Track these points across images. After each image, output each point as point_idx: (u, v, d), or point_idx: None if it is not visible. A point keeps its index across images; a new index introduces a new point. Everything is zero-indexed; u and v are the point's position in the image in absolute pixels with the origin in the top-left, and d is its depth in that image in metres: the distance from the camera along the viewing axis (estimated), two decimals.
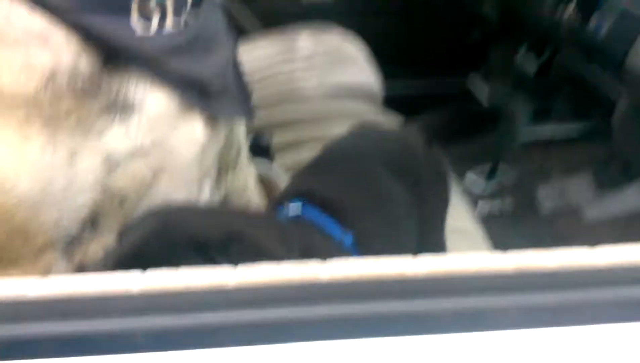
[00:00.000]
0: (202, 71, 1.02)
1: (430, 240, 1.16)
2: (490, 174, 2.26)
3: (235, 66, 1.13)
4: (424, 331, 0.66)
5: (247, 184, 1.22)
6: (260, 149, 1.81)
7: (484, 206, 2.19)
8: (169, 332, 0.64)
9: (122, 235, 0.90)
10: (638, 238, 1.98)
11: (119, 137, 0.97)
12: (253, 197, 1.24)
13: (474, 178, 2.27)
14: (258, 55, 2.26)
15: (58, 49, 0.92)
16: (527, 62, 2.26)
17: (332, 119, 2.01)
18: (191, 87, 1.01)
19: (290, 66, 2.21)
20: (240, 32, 2.28)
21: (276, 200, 1.12)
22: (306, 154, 1.89)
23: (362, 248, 1.00)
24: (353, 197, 1.06)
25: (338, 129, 1.96)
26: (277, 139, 1.90)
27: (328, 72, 2.19)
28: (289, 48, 2.28)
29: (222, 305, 0.65)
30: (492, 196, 2.22)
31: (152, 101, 0.99)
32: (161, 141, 1.00)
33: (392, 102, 2.19)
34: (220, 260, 0.78)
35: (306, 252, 0.88)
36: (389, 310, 0.66)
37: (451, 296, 0.68)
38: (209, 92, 1.03)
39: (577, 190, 2.23)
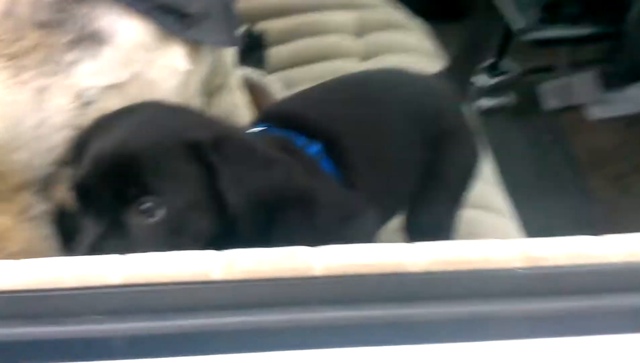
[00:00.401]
0: None
1: (433, 206, 1.07)
2: (492, 69, 2.17)
3: None
4: (422, 340, 0.61)
5: (236, 106, 1.14)
6: (253, 40, 1.71)
7: (484, 101, 2.12)
8: (148, 336, 0.59)
9: (101, 129, 0.83)
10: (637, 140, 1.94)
11: (91, 71, 0.88)
12: (242, 119, 1.16)
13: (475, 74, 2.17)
14: None
15: None
16: None
17: (328, 7, 1.88)
18: (167, 12, 0.90)
19: None
20: None
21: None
22: (302, 44, 1.81)
23: (339, 161, 0.94)
24: (332, 115, 0.98)
25: (338, 17, 1.88)
26: (271, 28, 1.79)
27: None
28: None
29: (205, 305, 0.59)
30: (494, 91, 2.14)
31: (126, 30, 0.90)
32: (138, 73, 0.92)
33: None
34: (212, 159, 0.77)
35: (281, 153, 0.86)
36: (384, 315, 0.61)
37: (452, 300, 0.62)
38: (189, 17, 0.93)
39: (581, 88, 2.15)
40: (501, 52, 2.15)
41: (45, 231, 0.94)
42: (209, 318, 0.58)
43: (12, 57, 0.83)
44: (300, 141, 0.93)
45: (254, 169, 0.80)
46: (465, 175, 1.11)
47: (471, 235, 1.26)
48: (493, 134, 1.65)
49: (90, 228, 0.77)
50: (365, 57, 1.76)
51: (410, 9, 1.90)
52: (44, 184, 0.93)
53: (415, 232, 1.07)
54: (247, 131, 0.96)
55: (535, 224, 1.73)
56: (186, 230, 0.79)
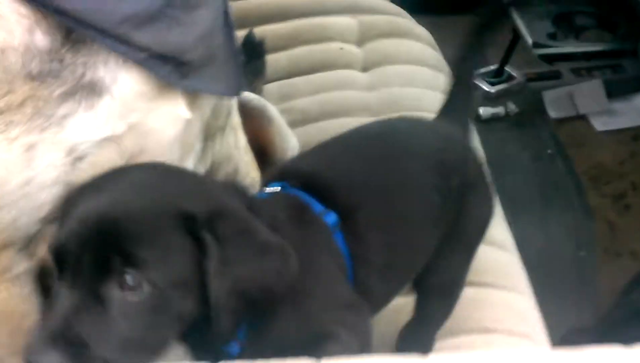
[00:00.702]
0: (181, 39, 0.85)
1: (453, 264, 1.02)
2: (496, 76, 2.10)
3: (227, 20, 0.95)
4: None
5: (237, 148, 1.07)
6: (253, 47, 1.64)
7: (487, 109, 2.06)
8: None
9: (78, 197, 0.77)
10: None
11: (86, 125, 0.81)
12: (241, 162, 1.09)
13: (478, 80, 2.12)
14: None
15: (8, 22, 0.75)
16: None
17: (329, 12, 1.81)
18: (164, 61, 0.84)
19: None
20: None
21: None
22: (302, 51, 1.74)
23: (353, 236, 0.87)
24: (350, 178, 0.92)
25: (340, 22, 1.81)
26: (270, 33, 1.72)
27: None
28: None
29: None
30: (496, 99, 2.09)
31: (123, 80, 0.82)
32: (136, 124, 0.85)
33: None
34: (205, 236, 0.71)
35: (285, 225, 0.81)
36: None
37: None
38: (188, 65, 0.86)
39: (586, 97, 2.10)
40: (506, 59, 2.10)
41: (26, 291, 0.88)
42: None
43: (1, 111, 0.76)
44: (318, 207, 0.86)
45: (247, 256, 0.74)
46: (484, 228, 1.05)
47: (473, 273, 1.22)
48: (493, 144, 1.61)
49: (64, 297, 0.71)
50: (366, 67, 1.70)
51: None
52: (28, 242, 0.86)
53: (431, 291, 1.02)
54: (262, 190, 0.90)
55: (534, 242, 1.71)
56: (168, 310, 0.72)
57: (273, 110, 1.32)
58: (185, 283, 0.72)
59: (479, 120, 2.02)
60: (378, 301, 0.93)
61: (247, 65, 1.45)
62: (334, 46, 1.75)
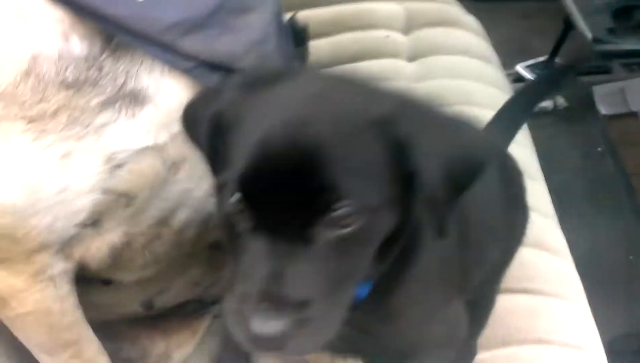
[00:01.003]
0: (231, 46, 0.80)
1: (495, 284, 0.97)
2: (544, 68, 2.03)
3: (280, 23, 0.90)
4: None
5: None
6: (294, 32, 1.58)
7: None
8: None
9: None
10: None
11: (126, 134, 0.77)
12: None
13: (524, 70, 2.05)
14: None
15: (41, 28, 0.71)
16: None
17: None
18: (213, 70, 0.79)
19: None
20: None
21: None
22: (346, 38, 1.68)
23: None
24: None
25: (386, 8, 1.74)
26: (313, 19, 1.66)
27: None
28: None
29: None
30: None
31: (170, 90, 0.78)
32: (178, 133, 0.80)
33: None
34: (405, 135, 0.60)
35: None
36: None
37: None
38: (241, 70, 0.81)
39: (638, 94, 2.02)
40: (556, 50, 2.02)
41: (61, 292, 0.84)
42: None
43: (32, 120, 0.71)
44: None
45: (446, 138, 0.62)
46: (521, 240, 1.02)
47: (526, 280, 1.17)
48: (541, 139, 1.55)
49: (268, 248, 0.60)
50: (413, 57, 1.63)
51: None
52: (64, 245, 0.82)
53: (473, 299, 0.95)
54: None
55: (582, 245, 1.64)
56: (375, 239, 0.63)
57: None
58: (392, 199, 0.61)
59: None
60: None
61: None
62: (380, 33, 1.69)
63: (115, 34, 0.72)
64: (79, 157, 0.74)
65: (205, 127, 0.64)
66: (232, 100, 0.63)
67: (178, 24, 0.74)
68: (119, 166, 0.76)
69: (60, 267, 0.82)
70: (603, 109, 2.05)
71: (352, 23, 1.69)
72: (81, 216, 0.78)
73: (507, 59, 1.89)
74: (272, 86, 0.63)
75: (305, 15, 1.65)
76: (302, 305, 0.58)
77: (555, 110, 2.05)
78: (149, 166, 0.79)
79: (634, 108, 2.02)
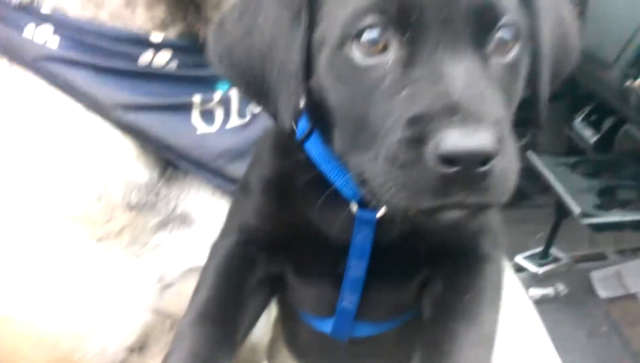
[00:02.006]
0: None
1: None
2: (542, 258, 2.16)
3: None
4: None
5: None
6: None
7: (536, 290, 2.08)
8: None
9: None
10: None
11: (176, 253, 0.86)
12: None
13: (524, 261, 2.17)
14: None
15: (110, 157, 0.82)
16: (585, 132, 2.15)
17: None
18: None
19: None
20: None
21: None
22: None
23: None
24: None
25: None
26: None
27: None
28: None
29: None
30: (544, 280, 2.12)
31: (214, 211, 0.88)
32: None
33: None
34: None
35: None
36: None
37: None
38: None
39: (634, 276, 2.11)
40: (550, 240, 2.15)
41: None
42: None
43: (100, 239, 0.81)
44: None
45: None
46: None
47: None
48: (546, 325, 1.60)
49: (449, 62, 0.55)
50: None
51: None
52: None
53: None
54: None
55: None
56: (522, 73, 0.62)
57: None
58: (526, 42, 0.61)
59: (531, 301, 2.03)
60: None
61: None
62: None
63: (174, 162, 0.84)
64: (136, 275, 0.83)
65: None
66: None
67: (227, 151, 0.86)
68: (168, 285, 0.85)
69: None
70: (602, 293, 2.13)
71: None
72: (131, 339, 0.84)
73: (509, 254, 2.01)
74: None
75: None
76: (499, 121, 0.54)
77: (556, 297, 2.12)
78: (191, 288, 0.87)
79: (632, 290, 2.10)
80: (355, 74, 0.57)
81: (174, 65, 0.83)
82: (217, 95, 0.86)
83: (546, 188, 2.03)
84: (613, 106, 1.96)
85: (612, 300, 2.09)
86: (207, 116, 0.86)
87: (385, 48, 0.56)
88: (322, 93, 0.60)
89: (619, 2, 1.72)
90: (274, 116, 0.62)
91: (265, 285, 0.75)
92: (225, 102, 0.88)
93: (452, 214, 0.54)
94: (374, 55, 0.56)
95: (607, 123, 2.12)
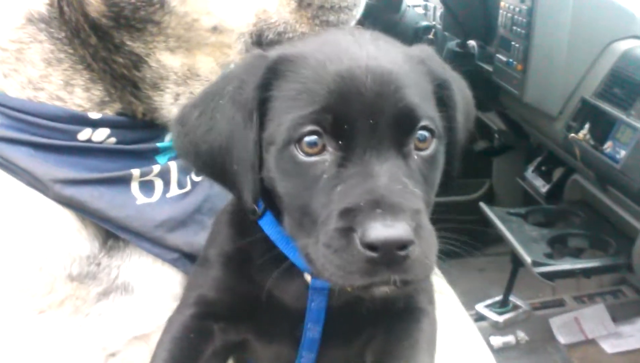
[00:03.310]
0: None
1: None
2: (501, 306, 2.19)
3: None
4: None
5: None
6: None
7: (497, 339, 2.10)
8: None
9: None
10: None
11: (118, 322, 0.88)
12: None
13: (485, 310, 2.19)
14: None
15: (51, 231, 0.84)
16: (536, 182, 2.21)
17: None
18: (193, 260, 0.92)
19: None
20: None
21: None
22: None
23: None
24: None
25: None
26: None
27: None
28: None
29: None
30: (505, 328, 2.14)
31: (155, 279, 0.91)
32: (164, 322, 0.91)
33: None
34: (450, 94, 0.73)
35: None
36: None
37: None
38: None
39: (591, 322, 2.15)
40: (509, 288, 2.18)
41: None
42: None
43: (42, 310, 0.83)
44: None
45: (468, 104, 0.80)
46: None
47: None
48: None
49: (375, 162, 0.65)
50: None
51: None
52: None
53: None
54: None
55: None
56: (441, 164, 0.72)
57: None
58: (442, 136, 0.72)
59: (492, 350, 2.04)
60: None
61: None
62: None
63: (115, 232, 0.86)
64: (79, 345, 0.84)
65: (255, 82, 0.69)
66: (285, 54, 0.70)
67: (166, 221, 0.89)
68: (112, 354, 0.86)
69: None
70: (562, 339, 2.16)
71: None
72: None
73: (469, 303, 2.04)
74: (310, 42, 0.73)
75: None
76: (416, 212, 0.62)
77: (518, 344, 2.15)
78: (138, 355, 0.88)
79: (590, 335, 2.13)
80: (298, 170, 0.67)
81: (112, 140, 0.86)
82: (156, 167, 0.89)
83: (502, 238, 2.08)
84: (561, 157, 2.02)
85: (572, 346, 2.12)
86: (147, 187, 0.89)
87: (323, 149, 0.66)
88: (272, 183, 0.69)
89: (561, 57, 1.79)
90: (239, 198, 0.72)
91: (222, 354, 0.82)
92: (164, 173, 0.91)
93: (382, 290, 0.64)
94: (314, 155, 0.66)
95: (557, 173, 2.18)
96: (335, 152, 0.66)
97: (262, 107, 0.69)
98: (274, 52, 0.71)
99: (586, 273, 1.84)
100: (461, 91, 0.77)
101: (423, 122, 0.68)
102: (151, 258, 0.91)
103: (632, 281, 2.17)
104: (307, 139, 0.66)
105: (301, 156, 0.66)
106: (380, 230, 0.59)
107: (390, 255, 0.60)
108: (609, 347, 2.10)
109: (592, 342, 2.13)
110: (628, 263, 1.77)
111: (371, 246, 0.60)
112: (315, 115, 0.65)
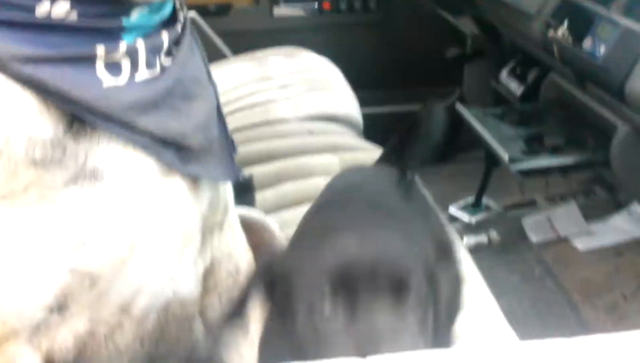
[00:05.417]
0: (181, 126, 0.90)
1: None
2: (474, 207, 2.20)
3: (220, 115, 1.01)
4: None
5: (236, 246, 1.10)
6: (242, 183, 1.70)
7: (470, 239, 2.12)
8: None
9: None
10: (627, 268, 1.94)
11: (88, 209, 0.84)
12: (243, 261, 1.11)
13: (457, 212, 2.21)
14: (228, 82, 2.15)
15: (10, 112, 0.79)
16: (511, 84, 2.19)
17: (312, 151, 1.91)
18: (166, 146, 0.88)
19: (265, 95, 2.10)
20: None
21: None
22: (289, 187, 1.81)
23: None
24: None
25: (319, 161, 1.90)
26: (257, 173, 1.79)
27: (305, 100, 2.09)
28: (262, 75, 2.17)
29: None
30: (477, 229, 2.16)
31: (126, 164, 0.86)
32: (138, 209, 0.88)
33: (369, 127, 2.11)
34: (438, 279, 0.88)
35: None
36: None
37: None
38: (190, 150, 0.91)
39: (563, 221, 2.18)
40: (482, 190, 2.19)
41: None
42: None
43: (4, 196, 0.79)
44: None
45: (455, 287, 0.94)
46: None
47: None
48: (481, 271, 1.64)
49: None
50: None
51: None
52: (33, 332, 0.86)
53: None
54: None
55: None
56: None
57: (274, 224, 1.35)
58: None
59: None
60: None
61: (240, 199, 1.51)
62: (319, 180, 1.83)
63: (80, 115, 0.81)
64: (47, 233, 0.81)
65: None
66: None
67: (135, 103, 0.84)
68: (83, 243, 0.83)
69: (29, 358, 0.85)
70: (534, 238, 2.19)
71: (293, 174, 1.83)
72: (48, 298, 0.83)
73: (442, 205, 2.05)
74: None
75: (251, 170, 1.80)
76: None
77: (490, 244, 2.17)
78: (111, 244, 0.85)
79: (562, 234, 2.16)
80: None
81: (74, 16, 0.80)
82: (123, 45, 0.83)
83: (475, 142, 2.08)
84: (537, 57, 2.00)
85: (544, 245, 2.16)
86: (113, 68, 0.83)
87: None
88: None
89: None
90: None
91: None
92: (131, 53, 0.85)
93: None
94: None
95: (532, 75, 2.16)
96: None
97: None
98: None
99: (563, 169, 1.85)
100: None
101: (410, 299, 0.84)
102: (121, 144, 0.86)
103: (607, 179, 2.19)
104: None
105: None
106: None
107: None
108: (580, 244, 2.13)
109: (564, 241, 2.16)
110: (605, 159, 1.78)
111: None
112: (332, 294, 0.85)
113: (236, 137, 1.11)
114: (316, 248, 0.89)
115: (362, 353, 0.74)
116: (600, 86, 1.66)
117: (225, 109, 1.06)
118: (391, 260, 0.84)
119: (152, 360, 1.00)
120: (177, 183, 0.91)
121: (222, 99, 1.05)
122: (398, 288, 0.83)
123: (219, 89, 1.05)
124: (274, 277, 0.90)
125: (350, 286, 0.83)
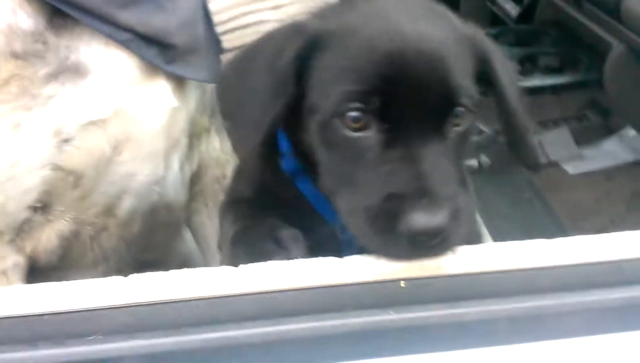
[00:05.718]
0: (165, 23, 0.87)
1: None
2: None
3: (206, 14, 0.97)
4: None
5: (223, 151, 1.07)
6: None
7: None
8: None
9: None
10: (617, 192, 1.93)
11: (70, 107, 0.82)
12: (229, 167, 1.09)
13: None
14: (221, 2, 2.09)
15: None
16: (507, 5, 2.14)
17: None
18: (149, 43, 0.85)
19: (257, 16, 2.04)
20: None
21: None
22: None
23: None
24: None
25: None
26: None
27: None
28: None
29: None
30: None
31: (108, 63, 0.84)
32: (122, 109, 0.85)
33: None
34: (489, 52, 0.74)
35: None
36: None
37: None
38: (173, 49, 0.87)
39: (554, 145, 2.16)
40: None
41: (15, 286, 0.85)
42: None
43: None
44: None
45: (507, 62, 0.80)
46: None
47: None
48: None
49: (420, 145, 0.67)
50: None
51: None
52: (17, 233, 0.84)
53: None
54: None
55: None
56: (470, 138, 0.75)
57: None
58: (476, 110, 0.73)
59: None
60: None
61: None
62: None
63: (60, 8, 0.78)
64: (29, 129, 0.78)
65: (294, 53, 0.69)
66: (328, 27, 0.71)
67: None
68: (66, 140, 0.81)
69: (13, 260, 0.84)
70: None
71: None
72: (31, 196, 0.81)
73: None
74: (356, 9, 0.73)
75: None
76: (454, 197, 0.66)
77: (480, 168, 2.15)
78: (94, 142, 0.83)
79: (553, 158, 2.14)
80: (341, 143, 0.69)
81: None
82: None
83: None
84: None
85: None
86: None
87: (366, 125, 0.67)
88: (312, 147, 0.72)
89: None
90: (237, 141, 0.78)
91: None
92: None
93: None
94: (357, 130, 0.68)
95: None
96: (380, 132, 0.67)
97: (300, 76, 0.70)
98: (315, 23, 0.72)
99: (556, 89, 1.82)
100: (505, 67, 0.77)
101: (461, 101, 0.69)
102: (103, 41, 0.83)
103: (600, 103, 2.16)
104: (351, 114, 0.67)
105: (345, 130, 0.68)
106: (425, 219, 0.63)
107: (430, 239, 0.64)
108: (571, 168, 2.12)
109: (554, 165, 2.14)
110: (599, 79, 1.75)
111: (414, 233, 0.64)
112: (363, 95, 0.67)
113: (228, 58, 1.07)
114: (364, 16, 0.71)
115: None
116: (597, 4, 1.62)
117: (217, 30, 1.03)
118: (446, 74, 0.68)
119: (141, 268, 0.99)
120: (161, 84, 0.88)
121: (214, 20, 1.02)
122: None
123: (211, 10, 1.01)
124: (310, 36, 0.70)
125: (394, 99, 0.67)
